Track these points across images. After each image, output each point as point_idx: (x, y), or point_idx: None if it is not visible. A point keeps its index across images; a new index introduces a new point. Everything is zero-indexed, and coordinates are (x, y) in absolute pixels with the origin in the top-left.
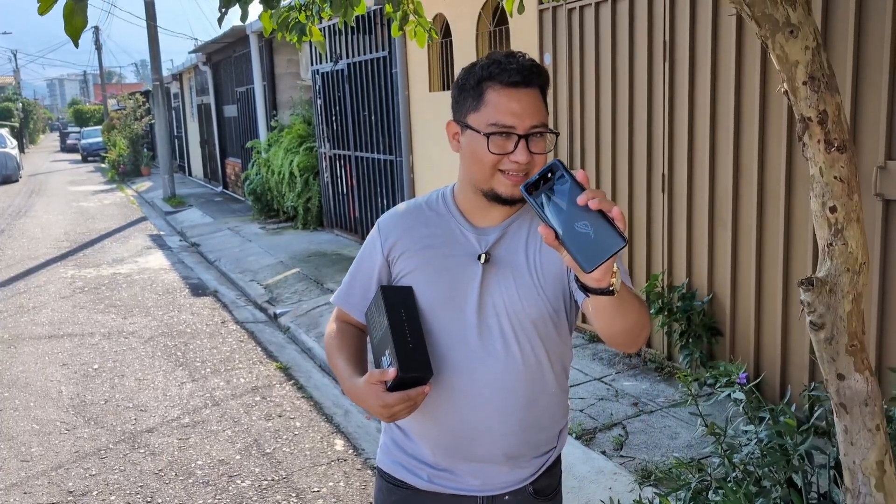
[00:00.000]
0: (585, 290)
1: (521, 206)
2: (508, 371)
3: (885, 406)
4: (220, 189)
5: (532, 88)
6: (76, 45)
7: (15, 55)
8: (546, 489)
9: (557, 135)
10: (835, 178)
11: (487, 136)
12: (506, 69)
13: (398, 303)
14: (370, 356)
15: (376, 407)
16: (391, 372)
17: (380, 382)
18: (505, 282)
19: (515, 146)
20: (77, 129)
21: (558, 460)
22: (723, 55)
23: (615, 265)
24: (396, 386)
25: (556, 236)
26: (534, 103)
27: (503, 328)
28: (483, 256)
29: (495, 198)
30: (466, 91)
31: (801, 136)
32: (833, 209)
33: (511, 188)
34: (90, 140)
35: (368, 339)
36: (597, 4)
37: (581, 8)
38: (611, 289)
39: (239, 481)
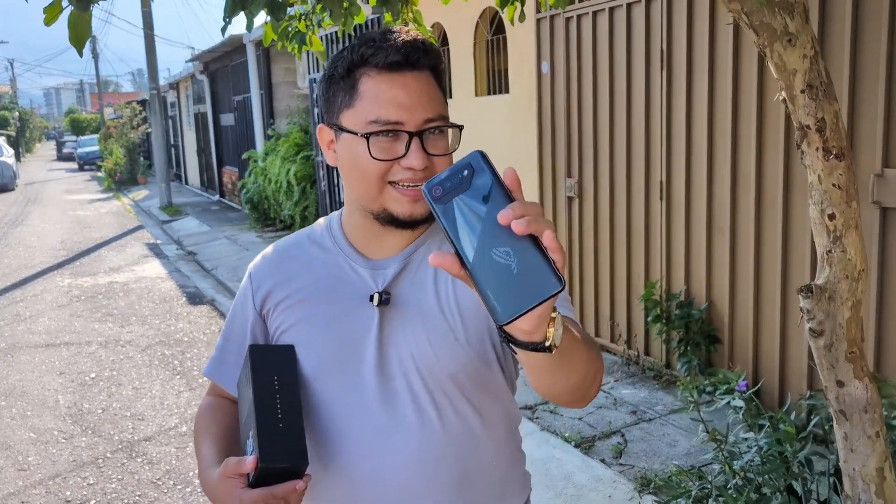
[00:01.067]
0: (510, 341)
1: (426, 228)
2: (426, 446)
3: (885, 413)
4: (216, 198)
5: (420, 71)
6: (80, 54)
7: (12, 64)
8: None
9: (461, 128)
10: (833, 185)
11: (367, 137)
12: (381, 48)
13: (270, 368)
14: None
15: None
16: (249, 462)
17: (238, 475)
18: (410, 328)
19: (407, 148)
20: (73, 137)
21: None
22: (720, 64)
23: (553, 309)
24: (260, 480)
25: (464, 264)
26: (425, 89)
27: (414, 389)
28: (377, 297)
29: (389, 220)
30: (336, 83)
31: (799, 143)
32: (832, 216)
33: (408, 205)
34: (86, 149)
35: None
36: (594, 13)
37: (579, 17)
38: (546, 344)
39: None
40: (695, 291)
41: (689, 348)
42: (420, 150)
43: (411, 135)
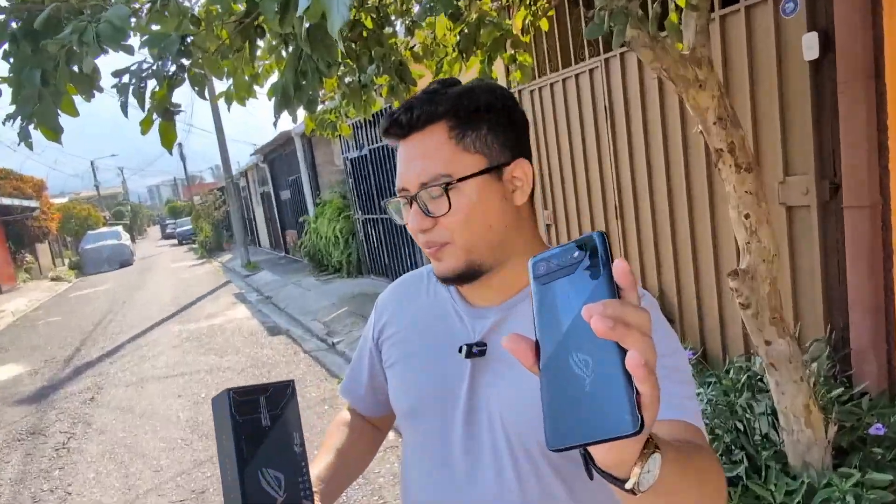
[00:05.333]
0: (586, 463)
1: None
2: None
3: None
4: (283, 254)
5: (419, 132)
6: (171, 153)
7: (122, 171)
8: None
9: (452, 185)
10: (746, 192)
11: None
12: (387, 118)
13: (260, 420)
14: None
15: None
16: None
17: None
18: (503, 385)
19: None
20: (173, 220)
21: None
22: (650, 109)
23: (648, 442)
24: None
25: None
26: (423, 151)
27: (497, 448)
28: (465, 349)
29: None
30: None
31: (716, 162)
32: (747, 216)
33: (434, 264)
34: (183, 228)
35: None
36: (551, 84)
37: (540, 88)
38: (626, 487)
39: None
40: (649, 285)
41: None
42: (413, 214)
43: (411, 199)
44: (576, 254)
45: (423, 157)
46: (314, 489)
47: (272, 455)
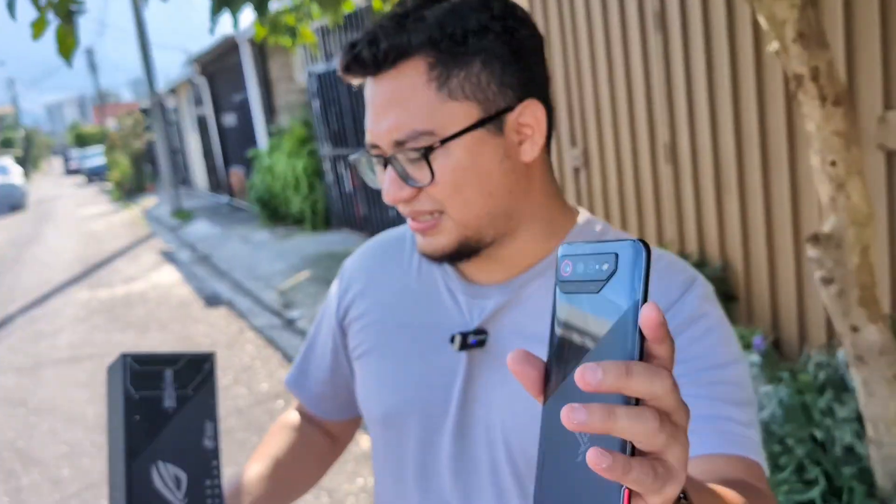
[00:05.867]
0: None
1: (549, 247)
2: None
3: None
4: (226, 199)
5: (389, 71)
6: (70, 65)
7: (12, 83)
8: None
9: (434, 148)
10: (832, 132)
11: (351, 164)
12: (346, 52)
13: (158, 398)
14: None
15: None
16: None
17: None
18: (506, 386)
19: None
20: (79, 152)
21: None
22: (714, 20)
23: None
24: None
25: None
26: (396, 95)
27: (497, 466)
28: (459, 339)
29: None
30: None
31: (795, 93)
32: (833, 163)
33: (420, 240)
34: (93, 162)
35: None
36: None
37: None
38: None
39: None
40: (708, 251)
41: None
42: (387, 180)
43: (386, 161)
44: (604, 266)
45: (395, 105)
46: (233, 502)
47: (173, 447)
